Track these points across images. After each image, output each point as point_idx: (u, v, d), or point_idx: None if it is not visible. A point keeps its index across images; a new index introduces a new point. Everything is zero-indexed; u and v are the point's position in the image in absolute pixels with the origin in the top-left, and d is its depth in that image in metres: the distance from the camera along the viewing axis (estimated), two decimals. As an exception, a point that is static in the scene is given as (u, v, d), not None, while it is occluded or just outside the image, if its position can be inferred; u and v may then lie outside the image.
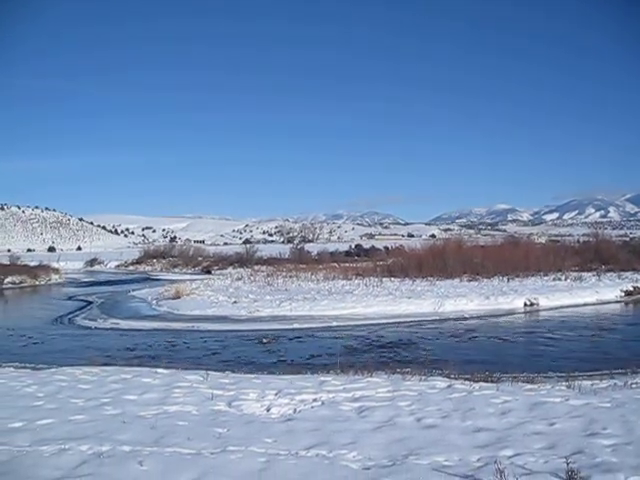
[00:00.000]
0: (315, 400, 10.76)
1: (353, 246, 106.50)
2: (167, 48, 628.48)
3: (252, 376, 13.59)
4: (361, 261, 69.58)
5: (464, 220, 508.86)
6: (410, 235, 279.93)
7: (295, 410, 10.18)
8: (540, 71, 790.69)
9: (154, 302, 36.63)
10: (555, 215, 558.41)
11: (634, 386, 11.90)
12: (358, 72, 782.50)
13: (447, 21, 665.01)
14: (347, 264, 63.81)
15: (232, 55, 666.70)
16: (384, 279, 43.23)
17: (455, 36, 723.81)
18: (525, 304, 31.63)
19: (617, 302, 34.29)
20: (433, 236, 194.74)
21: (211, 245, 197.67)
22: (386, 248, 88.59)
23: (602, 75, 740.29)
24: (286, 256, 78.66)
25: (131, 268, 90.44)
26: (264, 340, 22.85)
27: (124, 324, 28.36)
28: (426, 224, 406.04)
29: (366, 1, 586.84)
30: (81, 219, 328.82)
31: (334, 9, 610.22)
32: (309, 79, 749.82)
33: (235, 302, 33.06)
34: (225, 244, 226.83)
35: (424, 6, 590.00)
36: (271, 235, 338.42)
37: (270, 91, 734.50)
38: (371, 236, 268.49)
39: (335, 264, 64.20)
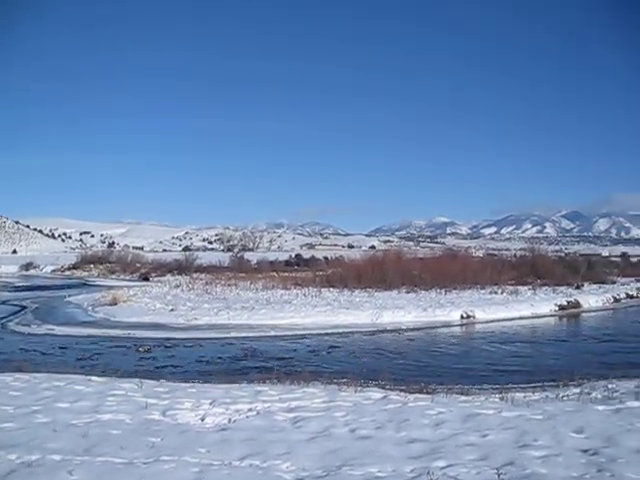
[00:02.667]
0: (250, 410, 10.70)
1: (293, 256, 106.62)
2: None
3: (187, 385, 13.47)
4: (301, 271, 69.80)
5: (404, 232, 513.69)
6: (350, 246, 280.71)
7: (230, 420, 10.11)
8: (473, 89, 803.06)
9: (90, 308, 35.99)
10: (493, 229, 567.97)
11: (565, 398, 12.13)
12: (303, 81, 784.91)
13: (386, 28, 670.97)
14: (287, 274, 64.01)
15: (158, 59, 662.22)
16: (323, 289, 43.37)
17: (394, 41, 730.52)
18: (462, 316, 31.99)
19: (551, 316, 34.94)
20: (373, 247, 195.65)
21: (150, 252, 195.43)
22: (326, 258, 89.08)
23: (538, 95, 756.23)
24: (226, 264, 78.25)
25: (67, 273, 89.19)
26: (140, 349, 22.60)
27: (59, 330, 27.77)
28: (366, 235, 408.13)
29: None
30: (17, 222, 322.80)
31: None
32: (252, 87, 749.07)
33: (173, 310, 32.75)
34: (164, 251, 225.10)
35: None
36: (211, 243, 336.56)
37: (207, 98, 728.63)
38: (311, 246, 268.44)
39: (275, 273, 64.30)
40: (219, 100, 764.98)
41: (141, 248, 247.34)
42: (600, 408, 10.90)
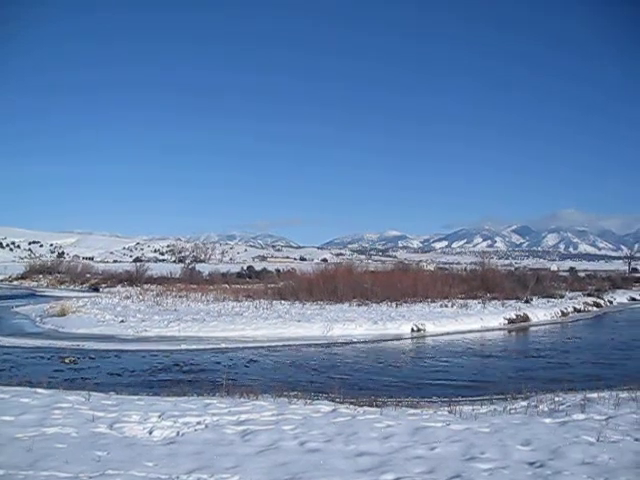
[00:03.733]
0: (199, 423, 10.60)
1: (245, 267, 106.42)
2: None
3: (135, 397, 13.28)
4: (252, 283, 69.64)
5: (356, 245, 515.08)
6: (302, 258, 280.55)
7: (178, 433, 10.00)
8: (426, 101, 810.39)
9: (38, 319, 35.45)
10: (444, 243, 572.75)
11: (512, 411, 12.24)
12: (251, 91, 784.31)
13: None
14: (238, 285, 63.82)
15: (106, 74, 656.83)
16: (275, 302, 43.25)
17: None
18: (412, 329, 32.18)
19: (501, 329, 35.35)
20: (325, 260, 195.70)
21: (100, 262, 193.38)
22: (278, 271, 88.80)
23: (487, 112, 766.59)
24: (177, 276, 77.70)
25: (15, 283, 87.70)
26: (66, 360, 22.32)
27: (5, 341, 27.27)
28: (319, 248, 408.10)
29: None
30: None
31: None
32: (204, 96, 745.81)
33: (122, 321, 32.36)
34: (115, 262, 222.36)
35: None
36: (163, 254, 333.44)
37: (157, 108, 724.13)
38: (263, 258, 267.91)
39: (226, 285, 64.09)
40: (170, 110, 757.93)
41: (91, 258, 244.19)
42: (547, 421, 11.03)
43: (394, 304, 42.26)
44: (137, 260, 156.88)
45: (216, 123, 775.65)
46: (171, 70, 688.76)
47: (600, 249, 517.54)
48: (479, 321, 35.78)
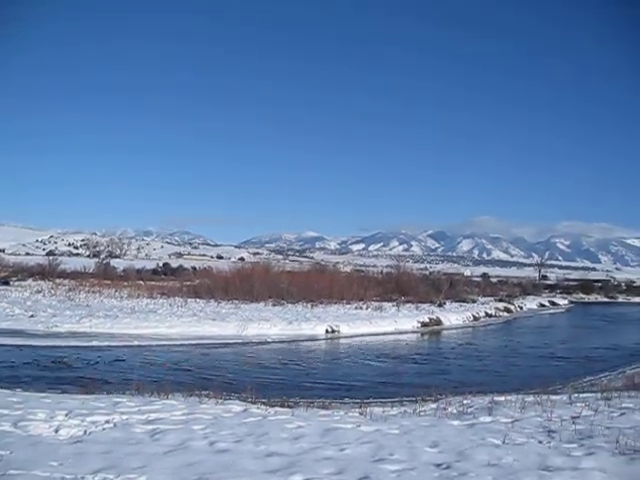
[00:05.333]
0: (107, 422, 10.37)
1: (161, 264, 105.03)
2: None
3: (42, 395, 12.93)
4: (168, 280, 68.74)
5: (274, 245, 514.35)
6: (219, 257, 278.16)
7: (86, 432, 9.76)
8: (350, 102, 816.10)
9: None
10: (361, 246, 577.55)
11: (422, 413, 12.38)
12: (175, 89, 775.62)
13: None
14: (153, 282, 62.96)
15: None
16: (190, 300, 42.95)
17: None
18: (327, 331, 32.36)
19: (414, 332, 35.88)
20: (242, 259, 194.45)
21: (11, 254, 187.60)
22: (194, 268, 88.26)
23: (406, 118, 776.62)
24: (91, 271, 76.05)
25: None
26: None
27: None
28: (236, 247, 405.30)
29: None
30: None
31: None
32: (123, 96, 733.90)
33: (32, 316, 31.50)
34: (27, 254, 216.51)
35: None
36: (77, 248, 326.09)
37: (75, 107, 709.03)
38: (180, 255, 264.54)
39: (141, 282, 63.15)
40: (88, 108, 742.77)
41: (2, 250, 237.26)
42: (455, 423, 11.19)
43: (310, 305, 42.45)
44: (50, 253, 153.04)
45: (135, 121, 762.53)
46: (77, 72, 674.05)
47: (513, 256, 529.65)
48: (393, 324, 36.22)
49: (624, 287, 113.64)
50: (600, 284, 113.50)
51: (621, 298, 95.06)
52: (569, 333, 41.23)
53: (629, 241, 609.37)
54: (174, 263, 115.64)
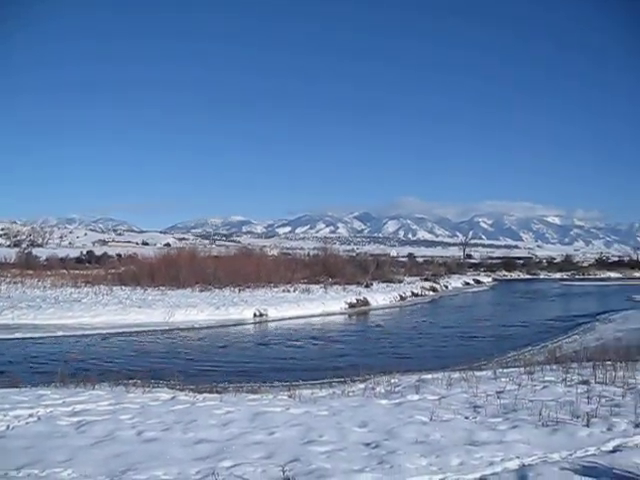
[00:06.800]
0: (31, 415, 10.12)
1: (85, 252, 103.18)
2: None
3: (-39, 390, 12.61)
4: (92, 268, 67.60)
5: (200, 230, 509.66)
6: (145, 243, 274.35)
7: (8, 427, 9.48)
8: (269, 86, 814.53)
9: None
10: (288, 229, 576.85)
11: (351, 394, 12.46)
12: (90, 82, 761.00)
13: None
14: (77, 271, 61.74)
15: None
16: (115, 287, 42.40)
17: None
18: (255, 315, 32.37)
19: (342, 314, 36.15)
20: (168, 245, 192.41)
21: None
22: (119, 256, 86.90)
23: (331, 101, 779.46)
24: (12, 261, 74.11)
25: None
26: None
27: None
28: (162, 232, 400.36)
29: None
30: None
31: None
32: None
33: (-51, 309, 30.67)
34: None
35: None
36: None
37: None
38: (104, 243, 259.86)
39: (65, 271, 61.95)
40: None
41: None
42: (383, 402, 11.30)
43: (237, 289, 42.39)
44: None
45: (57, 101, 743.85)
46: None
47: (437, 236, 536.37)
48: (321, 306, 36.41)
49: (545, 264, 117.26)
50: (522, 261, 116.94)
51: (542, 275, 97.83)
52: (492, 310, 42.01)
53: (549, 219, 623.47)
54: (98, 251, 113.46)
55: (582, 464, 7.37)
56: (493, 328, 30.68)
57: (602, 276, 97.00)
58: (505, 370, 15.00)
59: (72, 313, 29.95)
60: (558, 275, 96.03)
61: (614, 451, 8.04)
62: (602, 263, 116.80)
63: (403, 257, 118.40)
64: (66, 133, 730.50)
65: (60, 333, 25.85)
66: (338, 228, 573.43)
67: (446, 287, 60.30)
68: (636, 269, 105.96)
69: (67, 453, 8.03)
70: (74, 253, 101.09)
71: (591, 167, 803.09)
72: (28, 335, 25.24)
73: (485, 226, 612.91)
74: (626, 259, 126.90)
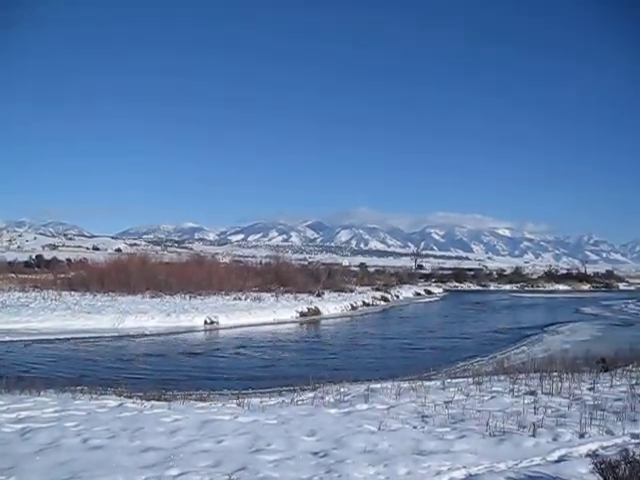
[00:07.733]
0: (-27, 422, 9.97)
1: (34, 256, 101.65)
2: None
3: None
4: (41, 273, 66.63)
5: (152, 236, 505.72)
6: (96, 248, 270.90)
7: (-51, 433, 9.34)
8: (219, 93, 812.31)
9: None
10: (241, 236, 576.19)
11: (300, 403, 12.46)
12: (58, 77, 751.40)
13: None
14: (26, 275, 60.87)
15: None
16: (64, 292, 41.92)
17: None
18: (205, 322, 32.25)
19: (293, 322, 36.16)
20: (119, 250, 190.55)
21: None
22: (69, 260, 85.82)
23: (288, 111, 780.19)
24: (-42, 265, 72.99)
25: None
26: None
27: None
28: (113, 238, 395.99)
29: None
30: None
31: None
32: None
33: None
34: None
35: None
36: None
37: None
38: (54, 247, 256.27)
39: (13, 275, 60.95)
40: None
41: None
42: (332, 411, 11.31)
43: (188, 296, 42.17)
44: None
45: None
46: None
47: (389, 246, 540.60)
48: (272, 314, 36.41)
49: (495, 275, 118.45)
50: (473, 273, 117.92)
51: (492, 286, 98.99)
52: (442, 321, 42.39)
53: (500, 231, 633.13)
54: (48, 255, 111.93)
55: (528, 474, 7.47)
56: (442, 339, 30.93)
57: (551, 288, 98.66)
58: (454, 380, 15.08)
59: (19, 318, 29.56)
60: (508, 287, 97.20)
61: (559, 461, 8.16)
62: (551, 276, 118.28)
63: (355, 267, 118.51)
64: (17, 135, 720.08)
65: (7, 338, 25.56)
66: (291, 237, 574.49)
67: (397, 297, 60.64)
68: (584, 282, 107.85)
69: (10, 461, 7.88)
70: (23, 257, 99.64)
71: (541, 182, 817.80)
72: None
73: (437, 237, 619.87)
74: (574, 272, 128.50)
